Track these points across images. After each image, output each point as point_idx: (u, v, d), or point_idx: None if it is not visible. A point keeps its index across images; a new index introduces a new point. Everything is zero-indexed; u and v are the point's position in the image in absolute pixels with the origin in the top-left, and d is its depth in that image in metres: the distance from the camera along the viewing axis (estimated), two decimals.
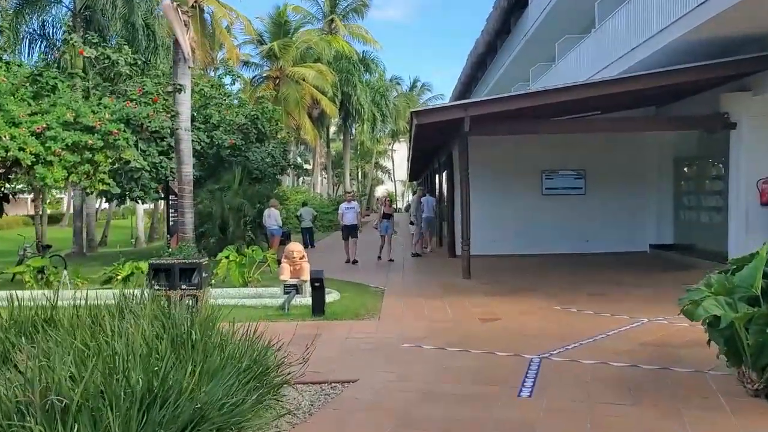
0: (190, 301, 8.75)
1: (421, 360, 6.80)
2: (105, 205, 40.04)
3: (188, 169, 16.12)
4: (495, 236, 16.98)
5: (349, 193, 18.33)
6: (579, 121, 14.52)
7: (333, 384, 6.00)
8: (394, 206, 75.63)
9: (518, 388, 5.73)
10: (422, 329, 8.36)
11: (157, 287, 8.80)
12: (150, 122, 12.72)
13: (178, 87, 13.67)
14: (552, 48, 22.86)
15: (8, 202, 13.70)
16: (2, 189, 12.07)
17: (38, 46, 22.73)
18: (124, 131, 12.29)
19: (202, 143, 18.54)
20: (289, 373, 5.25)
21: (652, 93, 13.12)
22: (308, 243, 22.04)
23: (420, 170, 30.94)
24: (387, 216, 17.39)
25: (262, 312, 9.71)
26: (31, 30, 22.48)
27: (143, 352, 4.17)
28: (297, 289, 10.30)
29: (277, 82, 37.81)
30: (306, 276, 10.10)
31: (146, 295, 6.01)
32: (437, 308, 9.88)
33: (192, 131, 18.39)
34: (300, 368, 5.37)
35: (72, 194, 24.12)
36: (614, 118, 15.08)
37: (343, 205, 17.43)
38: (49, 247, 16.46)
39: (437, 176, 24.41)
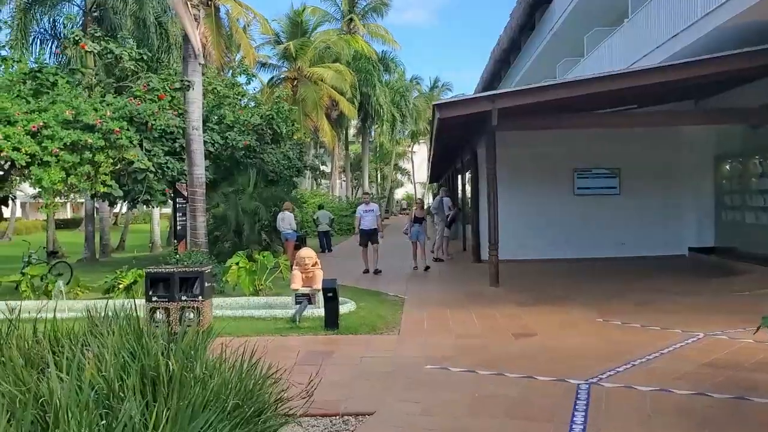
0: (192, 314, 7.94)
1: (448, 386, 5.84)
2: (124, 209, 39.59)
3: (200, 171, 15.32)
4: (522, 239, 15.96)
5: (367, 194, 16.76)
6: (616, 115, 13.44)
7: (346, 417, 5.08)
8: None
9: (568, 424, 4.76)
10: (448, 347, 7.40)
11: (155, 299, 7.96)
12: (155, 120, 11.90)
13: (186, 83, 12.86)
14: (579, 42, 21.80)
15: (7, 205, 12.97)
16: (4, 192, 11.33)
17: (50, 46, 22.15)
18: (127, 130, 11.50)
19: (215, 144, 17.75)
20: (290, 410, 4.33)
21: (694, 84, 12.05)
22: (325, 247, 21.17)
23: (441, 171, 29.95)
24: (418, 220, 15.71)
25: (272, 324, 8.84)
26: (42, 30, 21.89)
27: (98, 395, 3.28)
28: (309, 298, 9.39)
29: (295, 83, 37.06)
30: (319, 284, 9.20)
31: (129, 308, 5.09)
32: (464, 321, 8.91)
33: (205, 132, 17.64)
34: (306, 402, 4.45)
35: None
36: (654, 112, 13.97)
37: (360, 208, 15.53)
38: (55, 253, 15.78)
39: (460, 177, 23.42)
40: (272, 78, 39.27)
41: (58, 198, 24.26)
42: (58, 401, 2.93)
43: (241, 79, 21.67)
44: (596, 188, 16.51)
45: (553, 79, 26.10)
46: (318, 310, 9.01)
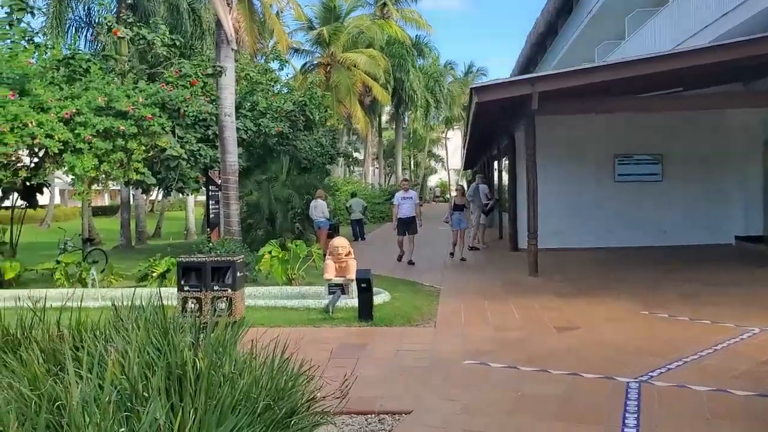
0: (224, 305, 7.78)
1: (489, 383, 5.56)
2: (159, 197, 39.94)
3: (233, 158, 15.19)
4: (561, 227, 15.52)
5: (406, 180, 15.90)
6: (660, 98, 12.88)
7: (382, 416, 4.84)
8: (447, 196, 74.19)
9: (619, 427, 4.44)
10: (487, 340, 7.11)
11: (186, 288, 7.81)
12: (187, 107, 11.75)
13: (218, 69, 12.69)
14: (620, 24, 21.12)
15: (42, 193, 13.00)
16: (33, 179, 11.31)
17: (85, 33, 22.24)
18: (159, 116, 11.37)
19: (248, 131, 17.61)
20: (324, 409, 4.09)
21: (744, 65, 11.46)
22: (358, 235, 20.95)
23: (476, 157, 29.49)
24: (459, 208, 15.11)
25: (305, 315, 8.64)
26: (77, 17, 21.96)
27: (120, 395, 3.08)
28: (342, 289, 9.17)
29: (328, 68, 36.80)
30: (352, 274, 8.97)
31: (155, 301, 4.90)
32: (502, 312, 8.60)
33: (238, 119, 17.51)
34: (340, 401, 4.22)
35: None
36: (701, 95, 13.38)
37: (398, 195, 14.68)
38: (91, 240, 15.82)
39: (496, 163, 22.97)
40: (305, 64, 39.10)
41: (95, 186, 24.40)
42: (75, 404, 2.73)
43: (274, 65, 21.53)
44: (638, 175, 15.96)
45: (591, 62, 25.43)
46: (351, 301, 8.79)
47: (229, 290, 7.73)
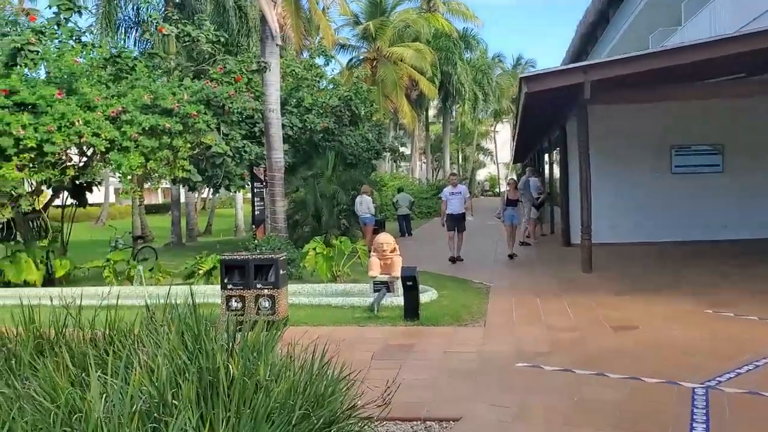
0: (267, 303, 7.63)
1: (543, 388, 5.24)
2: (209, 194, 40.39)
3: (278, 154, 15.13)
4: (614, 221, 14.95)
5: (454, 175, 15.09)
6: (723, 85, 12.21)
7: (428, 423, 4.58)
8: (496, 190, 73.20)
9: None
10: (540, 340, 6.77)
11: (230, 286, 7.69)
12: (232, 103, 11.68)
13: (262, 65, 12.59)
14: (676, 10, 20.30)
15: (90, 191, 13.13)
16: (81, 178, 11.40)
17: (134, 33, 22.51)
18: (204, 113, 11.31)
19: (294, 128, 17.54)
20: (367, 419, 3.84)
21: None
22: (405, 231, 20.69)
23: (526, 150, 28.87)
24: (512, 202, 14.36)
25: (349, 313, 8.43)
26: (126, 17, 22.24)
27: (148, 405, 2.89)
28: (388, 286, 8.93)
29: (374, 63, 36.59)
30: (398, 272, 8.71)
31: (190, 302, 4.72)
32: (556, 311, 8.22)
33: (284, 115, 17.45)
34: (383, 408, 3.97)
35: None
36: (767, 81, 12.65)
37: (447, 190, 13.88)
38: (141, 238, 15.97)
39: (546, 156, 22.40)
40: (351, 59, 38.97)
41: (147, 184, 24.65)
42: (96, 417, 2.54)
43: (320, 60, 21.40)
44: (696, 166, 15.27)
45: (645, 50, 24.55)
46: (397, 299, 8.54)
47: (273, 288, 7.58)
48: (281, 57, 21.41)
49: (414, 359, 6.20)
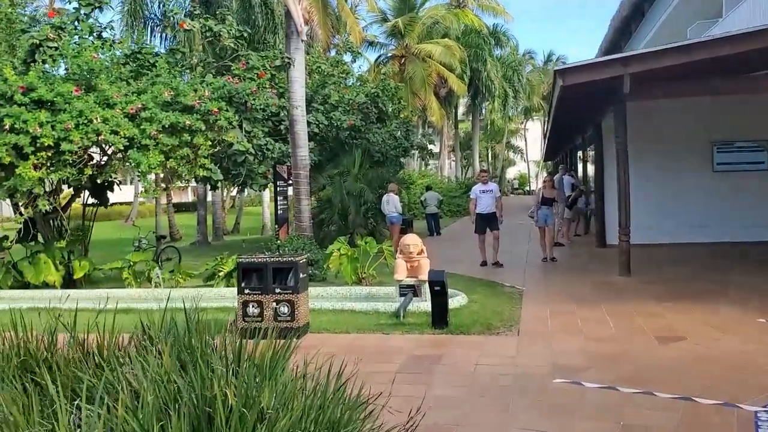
0: (286, 309, 7.23)
1: (584, 409, 4.73)
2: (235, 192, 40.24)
3: (304, 152, 14.76)
4: (652, 221, 14.28)
5: (484, 171, 14.00)
6: None
7: None
8: (527, 188, 72.18)
9: None
10: (578, 353, 6.25)
11: (247, 291, 7.31)
12: (254, 100, 11.31)
13: (286, 60, 12.22)
14: (716, 1, 19.46)
15: (112, 190, 12.86)
16: (100, 177, 11.12)
17: (160, 31, 22.32)
18: (226, 110, 10.96)
19: (320, 125, 17.16)
20: None
21: None
22: (433, 230, 20.19)
23: (558, 147, 28.15)
24: (548, 201, 13.36)
25: (374, 319, 7.99)
26: (152, 14, 22.07)
27: None
28: (414, 290, 8.46)
29: (403, 60, 36.09)
30: (425, 275, 8.24)
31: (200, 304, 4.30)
32: (594, 319, 7.68)
33: (310, 113, 17.09)
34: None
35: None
36: None
37: (476, 188, 12.97)
38: (164, 237, 15.70)
39: (580, 153, 21.72)
40: (379, 57, 38.50)
41: (177, 182, 24.33)
42: None
43: (347, 57, 21.00)
44: (740, 163, 14.53)
45: (689, 40, 23.65)
46: (424, 304, 8.08)
47: (292, 293, 7.18)
48: (307, 54, 21.10)
49: (442, 373, 5.73)
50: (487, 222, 12.68)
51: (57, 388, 2.70)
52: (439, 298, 7.38)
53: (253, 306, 7.24)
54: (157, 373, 2.99)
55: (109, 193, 12.65)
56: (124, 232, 32.35)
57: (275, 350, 3.86)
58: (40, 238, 12.10)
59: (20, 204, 10.98)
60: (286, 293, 7.18)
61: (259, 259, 7.36)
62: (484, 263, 12.65)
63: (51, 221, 11.97)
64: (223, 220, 34.63)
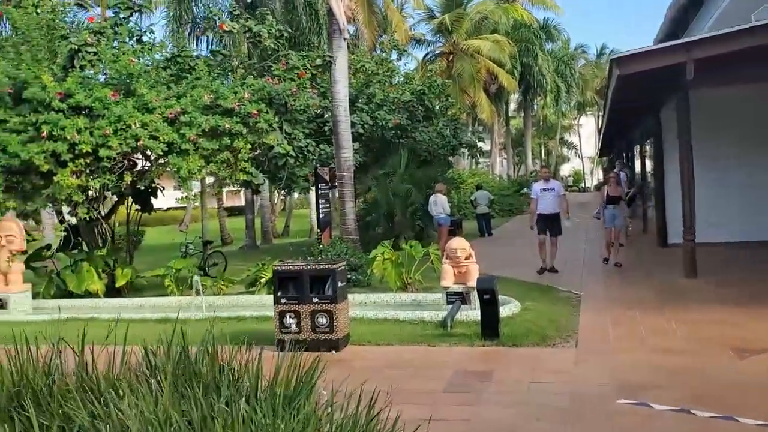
0: (324, 319, 6.81)
1: None
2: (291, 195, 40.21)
3: (348, 153, 14.39)
4: (718, 218, 13.32)
5: (545, 168, 12.75)
6: None
7: None
8: (581, 185, 70.42)
9: None
10: (644, 368, 5.63)
11: (283, 300, 6.91)
12: (294, 100, 10.96)
13: (327, 59, 11.84)
14: None
15: (156, 197, 12.71)
16: (140, 183, 10.94)
17: (201, 34, 22.27)
18: (266, 112, 10.64)
19: (365, 125, 16.76)
20: None
21: None
22: (485, 231, 19.53)
23: (614, 141, 27.09)
24: (614, 200, 12.06)
25: (419, 329, 7.49)
26: (199, 17, 22.01)
27: None
28: (463, 298, 7.93)
29: (451, 57, 35.44)
30: (473, 281, 7.71)
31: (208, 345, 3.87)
32: (659, 328, 7.00)
33: (354, 113, 16.71)
34: None
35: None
36: None
37: (537, 186, 11.75)
38: (210, 242, 15.52)
39: (637, 147, 20.74)
40: (427, 54, 37.92)
41: (230, 186, 24.20)
42: None
43: (392, 56, 20.49)
44: None
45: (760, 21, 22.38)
46: (473, 312, 7.53)
47: (330, 303, 6.75)
48: (352, 53, 20.72)
49: (492, 392, 5.21)
50: (548, 223, 11.41)
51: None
52: (489, 306, 6.84)
53: (290, 316, 6.84)
54: (153, 411, 2.57)
55: (153, 200, 12.49)
56: (177, 237, 32.61)
57: (300, 374, 3.43)
58: (84, 246, 12.02)
59: (65, 212, 10.89)
60: (324, 303, 6.76)
61: (296, 267, 6.95)
62: (542, 270, 11.46)
63: (95, 229, 11.87)
64: (273, 224, 34.65)
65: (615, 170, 16.04)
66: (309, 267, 6.90)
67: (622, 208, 12.59)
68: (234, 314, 8.54)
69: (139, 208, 12.57)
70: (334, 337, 6.74)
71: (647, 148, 18.74)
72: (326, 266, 6.89)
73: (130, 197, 12.29)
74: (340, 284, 6.86)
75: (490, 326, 6.85)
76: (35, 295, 10.72)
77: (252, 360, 3.38)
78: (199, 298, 9.41)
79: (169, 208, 43.40)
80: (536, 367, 5.84)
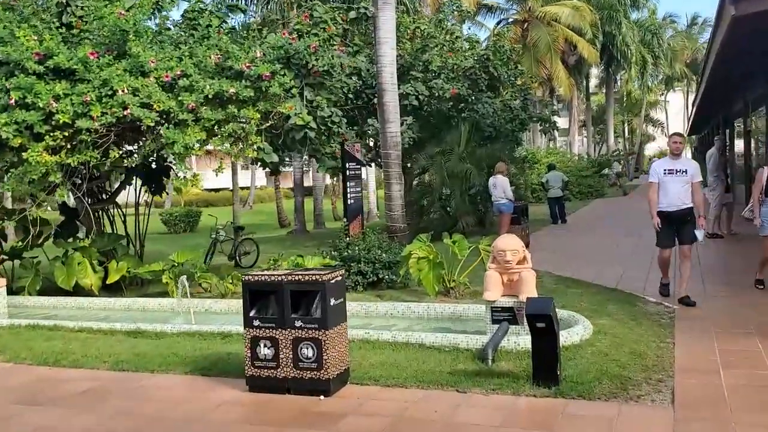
0: (310, 351, 4.90)
1: None
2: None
3: (394, 128, 12.38)
4: None
5: (677, 137, 7.44)
6: None
7: None
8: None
9: None
10: None
11: (257, 322, 5.02)
12: (316, 60, 9.03)
13: (362, 12, 9.83)
14: None
15: (168, 177, 11.12)
16: (128, 162, 9.29)
17: None
18: (282, 74, 8.75)
19: (420, 96, 14.67)
20: None
21: None
22: (557, 217, 17.12)
23: (709, 117, 23.99)
24: None
25: (448, 361, 5.44)
26: None
27: None
28: (513, 316, 5.84)
29: (525, 26, 32.79)
30: (529, 292, 5.62)
31: None
32: None
33: (408, 82, 14.67)
34: None
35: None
36: None
37: (658, 165, 7.49)
38: (242, 228, 13.92)
39: (740, 123, 17.81)
40: (499, 23, 35.28)
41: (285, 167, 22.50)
42: None
43: (450, 21, 18.11)
44: None
45: None
46: (525, 339, 5.41)
47: (318, 329, 4.83)
48: (409, 17, 18.58)
49: None
50: (678, 225, 7.29)
51: None
52: (545, 339, 4.75)
53: (265, 345, 4.96)
54: None
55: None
56: (243, 218, 31.32)
57: None
58: (82, 234, 10.54)
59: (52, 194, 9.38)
60: (311, 328, 4.84)
61: (272, 278, 5.03)
62: (664, 289, 7.79)
63: (96, 213, 10.35)
64: (334, 206, 33.02)
65: (712, 149, 13.36)
66: (290, 278, 4.96)
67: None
68: (222, 329, 6.74)
69: (149, 190, 10.99)
70: (323, 376, 4.82)
71: (756, 121, 15.87)
72: (313, 277, 4.93)
73: (136, 177, 10.72)
74: (333, 302, 4.91)
75: (545, 366, 4.75)
76: (19, 291, 9.29)
77: None
78: (186, 304, 7.71)
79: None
80: None
